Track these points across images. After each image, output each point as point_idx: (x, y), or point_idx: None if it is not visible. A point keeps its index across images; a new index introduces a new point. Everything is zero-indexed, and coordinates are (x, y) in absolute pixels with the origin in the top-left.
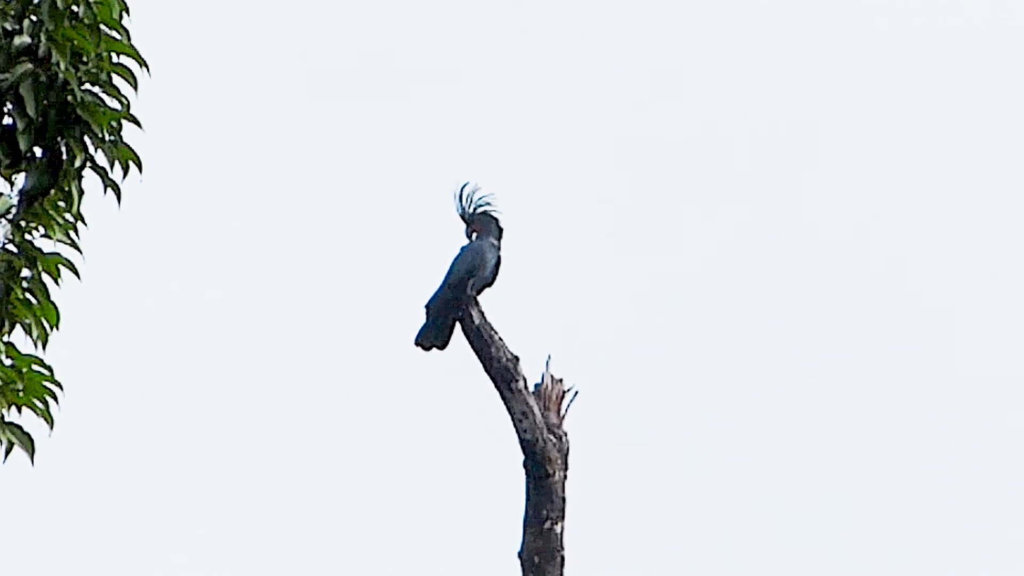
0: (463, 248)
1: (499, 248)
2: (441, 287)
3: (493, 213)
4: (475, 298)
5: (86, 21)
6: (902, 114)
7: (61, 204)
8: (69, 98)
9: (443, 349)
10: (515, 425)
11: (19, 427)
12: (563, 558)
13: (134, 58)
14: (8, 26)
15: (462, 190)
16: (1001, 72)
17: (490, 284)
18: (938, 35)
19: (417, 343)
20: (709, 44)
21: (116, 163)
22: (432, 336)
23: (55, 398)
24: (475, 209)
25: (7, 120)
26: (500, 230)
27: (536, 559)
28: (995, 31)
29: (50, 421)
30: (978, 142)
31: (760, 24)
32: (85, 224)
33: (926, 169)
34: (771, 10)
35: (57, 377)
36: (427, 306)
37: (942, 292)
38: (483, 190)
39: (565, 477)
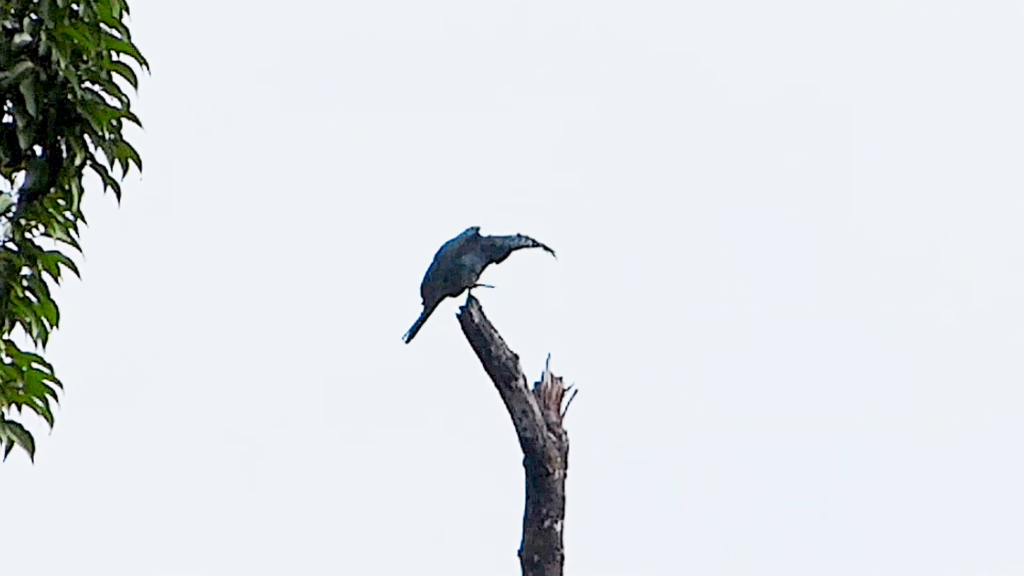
0: (442, 249)
1: (478, 268)
2: (431, 268)
3: (521, 249)
4: (475, 297)
5: (86, 19)
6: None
7: (61, 202)
8: (69, 96)
9: (407, 342)
10: (515, 423)
11: (19, 425)
12: (563, 556)
13: (134, 56)
14: (8, 24)
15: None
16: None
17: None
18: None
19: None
20: (724, 31)
21: (116, 161)
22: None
23: (55, 396)
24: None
25: (7, 118)
26: (495, 259)
27: (536, 557)
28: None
29: (50, 419)
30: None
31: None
32: (85, 222)
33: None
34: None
35: (57, 375)
36: (422, 287)
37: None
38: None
39: (565, 475)
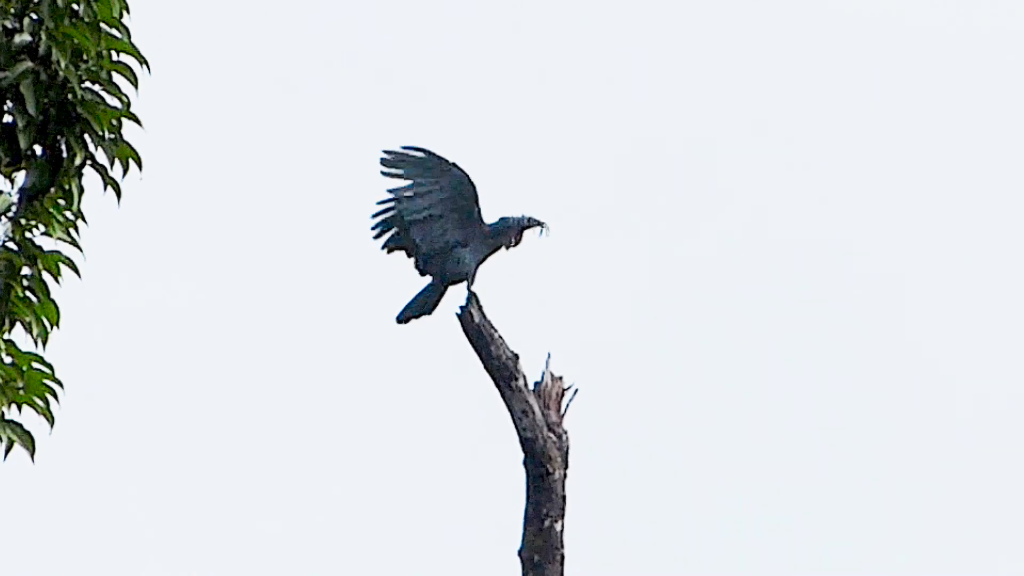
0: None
1: (476, 262)
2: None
3: (525, 229)
4: (475, 295)
5: (86, 19)
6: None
7: (61, 202)
8: (69, 96)
9: (400, 322)
10: (515, 423)
11: (19, 425)
12: (563, 556)
13: (134, 56)
14: (8, 24)
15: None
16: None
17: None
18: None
19: (399, 320)
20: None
21: (116, 161)
22: (414, 309)
23: (55, 396)
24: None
25: (8, 118)
26: (500, 246)
27: (536, 557)
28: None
29: (50, 419)
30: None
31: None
32: (85, 222)
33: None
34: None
35: (57, 375)
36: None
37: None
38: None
39: (565, 475)
